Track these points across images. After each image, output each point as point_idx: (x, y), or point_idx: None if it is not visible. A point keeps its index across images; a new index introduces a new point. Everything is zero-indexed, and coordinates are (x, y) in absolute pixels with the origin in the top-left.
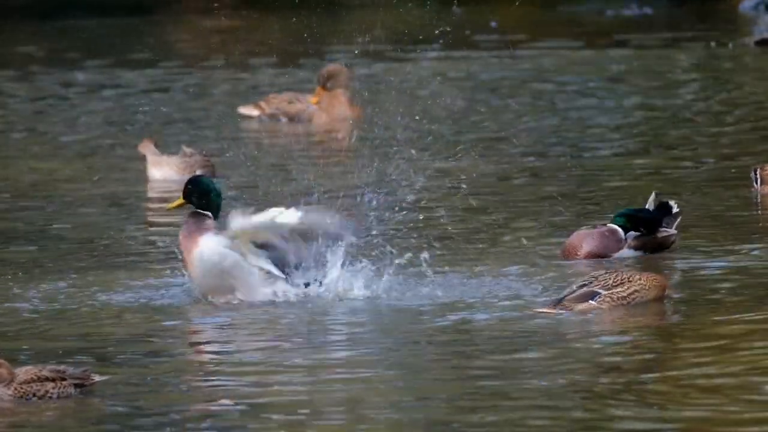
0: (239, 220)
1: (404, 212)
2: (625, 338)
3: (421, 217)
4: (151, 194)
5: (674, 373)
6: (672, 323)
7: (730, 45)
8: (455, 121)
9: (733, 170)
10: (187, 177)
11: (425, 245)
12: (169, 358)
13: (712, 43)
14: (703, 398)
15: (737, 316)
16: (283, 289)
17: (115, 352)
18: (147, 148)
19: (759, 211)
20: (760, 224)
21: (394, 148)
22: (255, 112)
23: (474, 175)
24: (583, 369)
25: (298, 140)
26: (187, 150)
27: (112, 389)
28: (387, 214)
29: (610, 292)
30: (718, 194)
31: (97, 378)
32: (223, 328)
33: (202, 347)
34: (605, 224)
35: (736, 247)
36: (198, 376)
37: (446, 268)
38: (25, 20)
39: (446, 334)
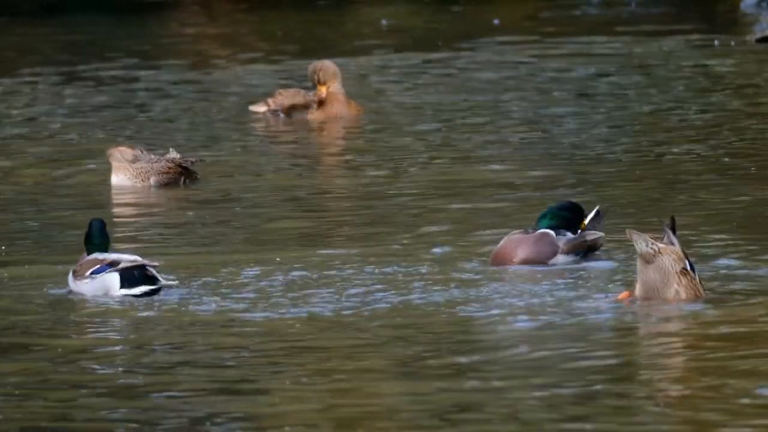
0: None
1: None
2: (630, 340)
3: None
4: (108, 198)
5: (678, 375)
6: (685, 322)
7: (732, 42)
8: (453, 120)
9: (752, 168)
10: (138, 183)
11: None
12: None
13: (715, 41)
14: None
15: (754, 315)
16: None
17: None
18: (112, 156)
19: None
20: None
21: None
22: (263, 108)
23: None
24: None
25: (284, 139)
26: (171, 155)
27: None
28: None
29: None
30: (734, 193)
31: None
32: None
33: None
34: (534, 229)
35: (754, 246)
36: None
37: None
38: (28, 15)
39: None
